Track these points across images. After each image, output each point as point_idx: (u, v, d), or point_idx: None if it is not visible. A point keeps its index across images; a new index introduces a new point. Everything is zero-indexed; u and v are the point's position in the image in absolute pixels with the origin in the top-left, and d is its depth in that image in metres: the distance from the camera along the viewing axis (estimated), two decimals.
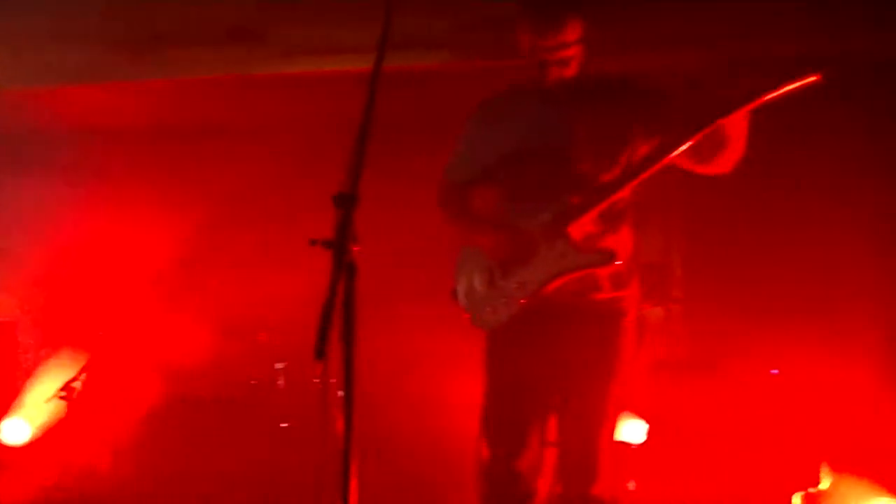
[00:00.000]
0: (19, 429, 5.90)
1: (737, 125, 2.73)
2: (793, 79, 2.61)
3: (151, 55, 5.18)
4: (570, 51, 2.87)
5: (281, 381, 5.60)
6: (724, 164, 2.86)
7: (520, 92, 3.07)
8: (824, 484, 4.58)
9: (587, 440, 2.96)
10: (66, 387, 5.63)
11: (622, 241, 3.00)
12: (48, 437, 5.80)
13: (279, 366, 5.64)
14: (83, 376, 5.69)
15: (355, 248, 1.92)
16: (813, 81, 2.61)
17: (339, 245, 1.89)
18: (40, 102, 5.71)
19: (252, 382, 5.64)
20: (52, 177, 5.93)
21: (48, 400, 5.67)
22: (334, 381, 1.89)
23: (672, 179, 3.04)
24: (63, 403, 5.63)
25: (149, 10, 5.07)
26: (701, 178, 3.01)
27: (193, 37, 5.14)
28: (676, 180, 3.16)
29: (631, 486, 4.71)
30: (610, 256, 2.88)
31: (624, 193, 2.93)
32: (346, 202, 1.91)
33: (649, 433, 4.82)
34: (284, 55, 5.11)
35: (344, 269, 1.89)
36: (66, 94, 5.58)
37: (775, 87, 2.62)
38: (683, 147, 2.73)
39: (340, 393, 1.91)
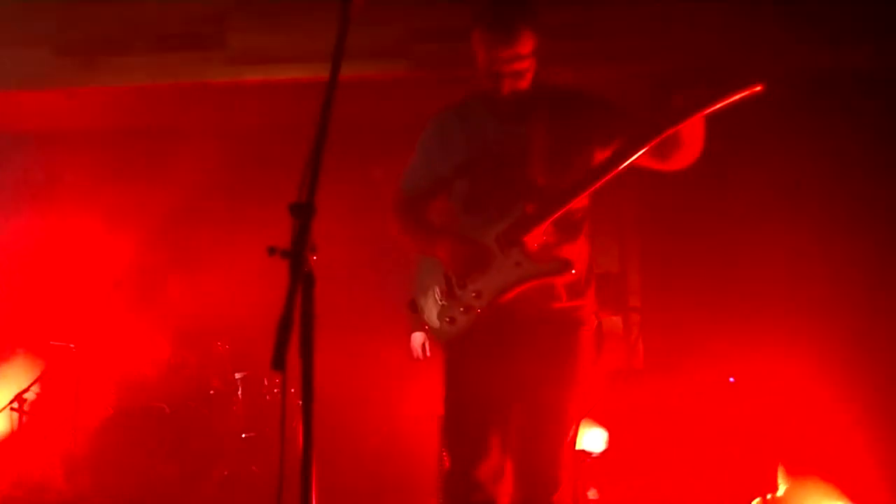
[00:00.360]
0: None
1: (693, 128, 2.77)
2: (738, 88, 2.65)
3: (103, 61, 5.13)
4: (523, 63, 2.88)
5: (239, 392, 5.54)
6: (682, 161, 2.90)
7: (474, 102, 3.07)
8: (781, 489, 4.63)
9: (547, 449, 2.96)
10: (18, 398, 5.53)
11: (578, 250, 3.01)
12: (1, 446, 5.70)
13: (238, 376, 5.59)
14: (36, 387, 5.60)
15: (313, 258, 1.90)
16: (757, 91, 2.65)
17: (297, 255, 1.87)
18: None
19: (210, 392, 5.57)
20: (2, 181, 5.84)
21: None
22: (293, 391, 1.87)
23: (628, 189, 3.07)
24: (15, 415, 5.53)
25: (100, 16, 5.03)
26: (656, 188, 3.04)
27: (146, 43, 5.10)
28: (633, 190, 3.19)
29: (592, 494, 4.73)
30: (566, 265, 2.89)
31: (580, 202, 2.95)
32: (302, 212, 1.89)
33: (609, 441, 4.84)
34: (240, 62, 5.08)
35: (301, 278, 1.87)
36: (20, 98, 5.51)
37: (723, 96, 2.66)
38: (636, 156, 2.76)
39: (298, 402, 1.88)
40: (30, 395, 5.57)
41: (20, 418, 5.53)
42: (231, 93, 5.47)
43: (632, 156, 2.77)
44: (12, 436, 5.56)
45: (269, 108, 5.63)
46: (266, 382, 5.51)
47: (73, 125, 6.02)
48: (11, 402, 5.52)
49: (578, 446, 4.26)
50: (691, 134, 2.79)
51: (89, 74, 5.20)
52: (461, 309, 2.95)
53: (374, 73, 4.58)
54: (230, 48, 5.07)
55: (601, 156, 2.93)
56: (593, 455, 4.82)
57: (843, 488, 4.58)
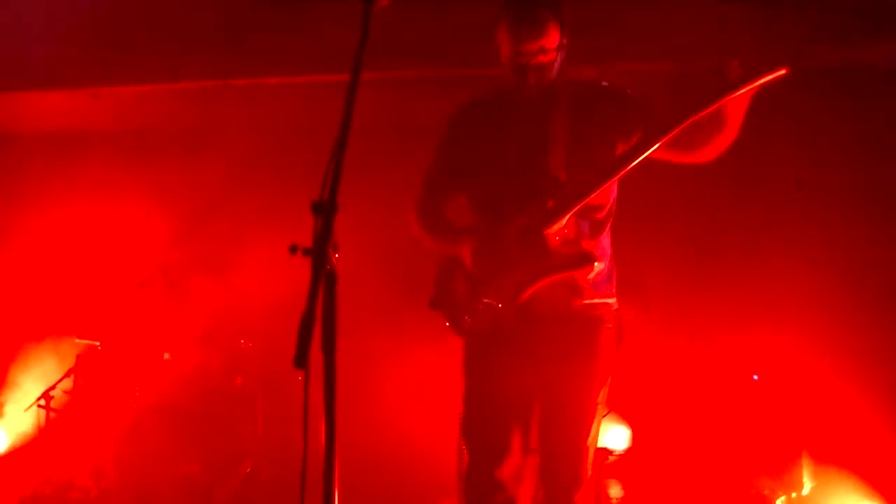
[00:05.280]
0: None
1: (735, 109, 2.74)
2: (762, 73, 2.62)
3: (128, 61, 5.17)
4: (549, 56, 2.87)
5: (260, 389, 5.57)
6: (708, 152, 2.87)
7: (494, 98, 3.07)
8: (807, 488, 4.60)
9: (569, 448, 2.95)
10: (45, 395, 5.58)
11: (601, 245, 3.00)
12: (27, 446, 5.76)
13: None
14: (63, 384, 5.65)
15: (335, 256, 1.90)
16: (781, 76, 2.62)
17: (319, 253, 1.88)
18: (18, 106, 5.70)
19: (233, 390, 5.60)
20: (29, 180, 5.90)
21: (27, 409, 5.63)
22: (315, 389, 1.88)
23: (652, 181, 3.05)
24: (42, 412, 5.58)
25: (123, 15, 5.06)
26: (679, 180, 3.02)
27: (168, 43, 5.13)
28: (658, 182, 3.18)
29: (616, 492, 4.71)
30: (588, 258, 2.87)
31: (604, 198, 2.93)
32: (324, 210, 1.90)
33: (633, 439, 4.83)
34: (264, 62, 5.10)
35: (324, 276, 1.88)
36: (41, 98, 5.57)
37: (746, 82, 2.63)
38: (655, 146, 2.74)
39: (320, 400, 1.89)
40: (57, 392, 5.62)
41: (47, 415, 5.58)
42: (254, 92, 5.50)
43: (651, 146, 2.75)
44: (40, 433, 5.61)
45: (293, 108, 5.65)
46: (288, 381, 5.53)
47: (99, 125, 6.07)
48: (39, 398, 5.57)
49: (601, 444, 4.27)
50: (733, 116, 2.75)
51: (114, 74, 5.25)
52: (482, 306, 2.94)
53: (396, 71, 4.59)
54: (253, 48, 5.09)
55: (623, 147, 2.91)
56: (617, 453, 4.80)
57: (871, 484, 4.54)
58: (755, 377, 4.76)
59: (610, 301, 3.03)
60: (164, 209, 5.92)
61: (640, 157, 2.77)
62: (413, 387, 5.30)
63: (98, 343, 5.70)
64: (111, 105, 5.79)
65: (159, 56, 5.17)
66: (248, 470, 5.33)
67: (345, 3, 2.46)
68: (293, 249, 1.90)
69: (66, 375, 5.65)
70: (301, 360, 1.76)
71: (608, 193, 2.98)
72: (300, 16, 4.94)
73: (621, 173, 2.82)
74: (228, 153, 5.84)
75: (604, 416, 3.05)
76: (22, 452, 5.79)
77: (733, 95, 2.66)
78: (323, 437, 1.88)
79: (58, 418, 5.66)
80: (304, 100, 5.38)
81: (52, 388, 5.61)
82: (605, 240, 3.03)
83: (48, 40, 5.07)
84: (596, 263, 2.86)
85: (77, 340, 5.76)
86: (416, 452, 4.98)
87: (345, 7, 2.57)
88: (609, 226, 3.04)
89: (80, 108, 5.85)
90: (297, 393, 1.91)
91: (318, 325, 1.84)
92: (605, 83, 3.04)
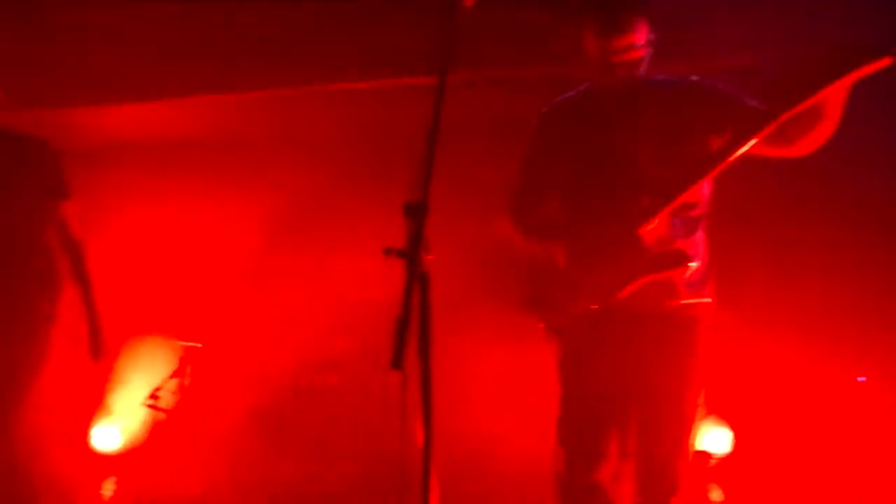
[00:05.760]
0: (111, 436, 6.05)
1: (835, 101, 2.63)
2: (863, 64, 2.50)
3: (205, 71, 5.28)
4: (637, 52, 2.84)
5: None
6: (811, 143, 2.78)
7: (582, 97, 3.05)
8: None
9: (666, 451, 2.90)
10: (153, 395, 5.75)
11: (697, 244, 2.94)
12: (139, 444, 5.93)
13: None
14: (171, 382, 5.81)
15: (428, 258, 1.92)
16: (886, 65, 2.50)
17: (412, 255, 1.90)
18: (116, 118, 5.89)
19: (330, 390, 5.69)
20: (116, 189, 6.07)
21: (136, 408, 5.80)
22: (411, 390, 1.89)
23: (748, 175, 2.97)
24: (152, 410, 5.75)
25: (213, 27, 5.17)
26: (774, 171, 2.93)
27: (250, 52, 5.22)
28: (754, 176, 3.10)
29: (716, 496, 4.62)
30: (684, 258, 2.82)
31: (699, 195, 2.88)
32: (416, 211, 1.91)
33: (735, 442, 4.73)
34: (342, 68, 5.15)
35: (417, 278, 1.89)
36: (136, 110, 5.75)
37: (846, 73, 2.53)
38: (752, 142, 2.67)
39: (418, 401, 1.90)
40: (163, 393, 5.79)
41: (155, 415, 5.74)
42: (344, 97, 5.57)
43: (748, 142, 2.68)
44: (151, 433, 5.78)
45: (383, 111, 5.69)
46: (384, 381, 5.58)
47: (181, 134, 6.22)
48: (147, 398, 5.74)
49: (701, 447, 4.19)
50: (834, 106, 2.65)
51: (194, 84, 5.38)
52: (575, 307, 2.92)
53: (483, 71, 4.58)
54: (342, 52, 5.15)
55: (717, 144, 2.83)
56: (717, 456, 4.71)
57: None
58: (861, 379, 4.60)
59: (707, 301, 2.96)
60: (260, 215, 6.03)
61: (736, 152, 2.70)
62: (508, 388, 5.28)
63: (200, 345, 5.86)
64: (204, 114, 5.95)
65: (247, 65, 5.28)
66: (347, 470, 5.40)
67: (430, 4, 2.48)
68: (387, 252, 1.92)
69: (172, 376, 5.82)
70: (397, 361, 1.78)
71: (702, 191, 2.93)
72: (388, 18, 4.97)
73: (717, 170, 2.76)
74: (320, 157, 5.93)
75: (703, 419, 2.99)
76: (135, 452, 5.97)
77: (833, 87, 2.57)
78: (419, 439, 1.89)
79: (166, 419, 5.82)
80: (393, 103, 5.42)
81: (159, 388, 5.78)
82: (702, 236, 2.98)
83: (143, 54, 5.23)
84: (692, 263, 2.81)
85: (180, 343, 5.93)
86: (511, 455, 4.97)
87: (431, 9, 2.59)
88: (704, 224, 2.98)
89: (177, 118, 6.02)
90: (393, 394, 1.93)
91: (413, 327, 1.86)
92: (695, 78, 2.99)
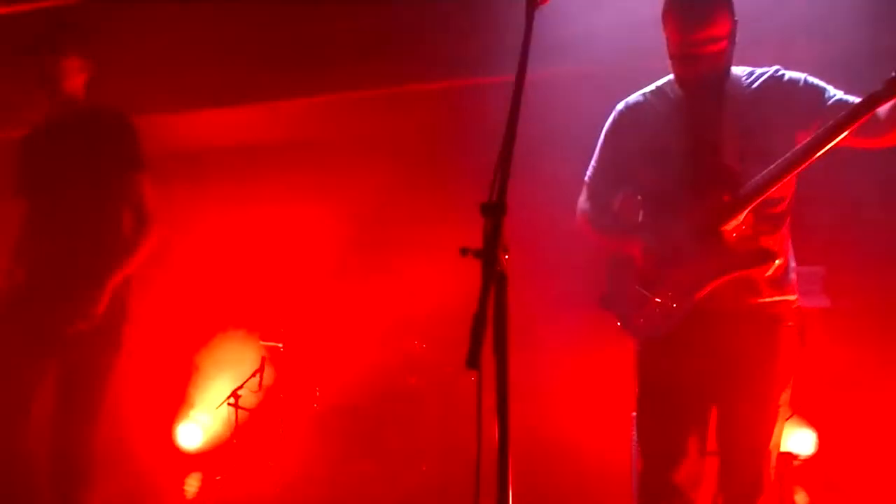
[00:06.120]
0: (194, 433, 6.20)
1: None
2: None
3: (299, 75, 5.36)
4: (719, 45, 2.78)
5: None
6: None
7: (662, 89, 3.00)
8: None
9: (750, 450, 2.84)
10: (234, 394, 5.86)
11: (779, 241, 2.87)
12: (222, 442, 6.06)
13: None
14: (249, 383, 5.92)
15: (505, 257, 1.91)
16: None
17: (489, 254, 1.89)
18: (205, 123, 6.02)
19: (407, 390, 5.72)
20: (205, 193, 6.19)
21: (218, 406, 5.93)
22: (487, 389, 1.89)
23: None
24: (232, 409, 5.87)
25: (292, 30, 5.24)
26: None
27: (329, 56, 5.28)
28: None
29: (801, 498, 4.52)
30: (768, 255, 2.76)
31: (783, 191, 2.81)
32: (494, 211, 1.91)
33: (819, 443, 4.62)
34: (435, 69, 5.18)
35: (494, 278, 1.89)
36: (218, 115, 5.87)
37: None
38: (841, 136, 2.59)
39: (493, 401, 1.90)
40: (244, 392, 5.90)
41: (236, 413, 5.86)
42: (421, 97, 5.60)
43: (837, 136, 2.60)
44: (232, 431, 5.90)
45: (460, 111, 5.71)
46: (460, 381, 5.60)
47: (271, 137, 6.33)
48: (229, 397, 5.86)
49: (786, 448, 4.10)
50: None
51: (287, 88, 5.47)
52: (655, 306, 2.88)
53: (556, 70, 4.55)
54: (425, 55, 5.18)
55: (802, 137, 2.74)
56: (802, 458, 4.61)
57: None
58: None
59: (790, 298, 2.89)
60: (340, 216, 6.10)
61: (825, 147, 2.62)
62: (586, 387, 5.25)
63: (281, 345, 5.96)
64: (285, 118, 6.05)
65: (325, 69, 5.34)
66: (423, 469, 5.43)
67: (508, 4, 2.47)
68: (464, 252, 1.92)
69: (253, 376, 5.93)
70: (473, 360, 1.78)
71: (788, 186, 2.85)
72: (466, 19, 4.98)
73: (805, 165, 2.67)
74: (399, 159, 5.98)
75: (787, 419, 2.92)
76: (217, 450, 6.10)
77: None
78: (496, 438, 1.89)
79: (248, 417, 5.94)
80: (470, 103, 5.43)
81: (240, 387, 5.90)
82: (785, 233, 2.91)
83: (227, 63, 5.34)
84: (776, 260, 2.75)
85: (261, 342, 6.05)
86: (589, 454, 4.94)
87: (507, 8, 2.59)
88: (788, 220, 2.91)
89: (257, 122, 6.14)
90: (470, 393, 1.93)
91: (490, 327, 1.86)
92: (780, 69, 2.91)
